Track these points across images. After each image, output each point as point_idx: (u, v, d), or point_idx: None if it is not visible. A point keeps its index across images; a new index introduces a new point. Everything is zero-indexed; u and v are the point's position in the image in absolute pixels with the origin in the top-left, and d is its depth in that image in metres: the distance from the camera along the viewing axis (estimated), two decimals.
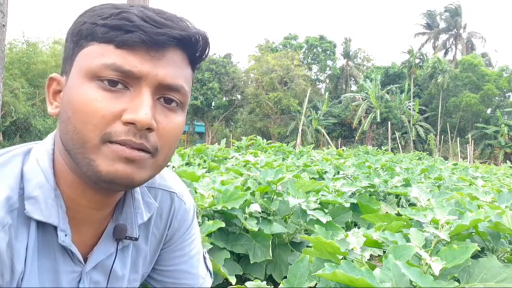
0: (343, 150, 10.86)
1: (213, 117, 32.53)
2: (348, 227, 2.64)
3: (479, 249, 1.60)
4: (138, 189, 0.77)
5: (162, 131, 0.62)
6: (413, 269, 1.23)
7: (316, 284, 1.40)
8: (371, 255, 1.80)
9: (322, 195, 2.57)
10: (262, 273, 2.08)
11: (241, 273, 1.99)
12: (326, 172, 4.27)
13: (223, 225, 1.84)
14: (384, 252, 1.68)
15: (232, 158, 4.78)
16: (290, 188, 2.35)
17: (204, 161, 4.51)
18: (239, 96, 33.60)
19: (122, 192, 0.74)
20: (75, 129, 0.59)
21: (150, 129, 0.60)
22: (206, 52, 0.67)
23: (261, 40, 59.08)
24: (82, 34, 0.61)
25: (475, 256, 1.51)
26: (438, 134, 32.13)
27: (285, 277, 1.52)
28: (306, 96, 22.89)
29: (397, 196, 3.60)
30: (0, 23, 2.12)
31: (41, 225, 0.65)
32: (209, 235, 1.87)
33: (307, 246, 1.79)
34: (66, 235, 0.66)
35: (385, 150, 14.28)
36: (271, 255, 2.02)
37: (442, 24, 40.44)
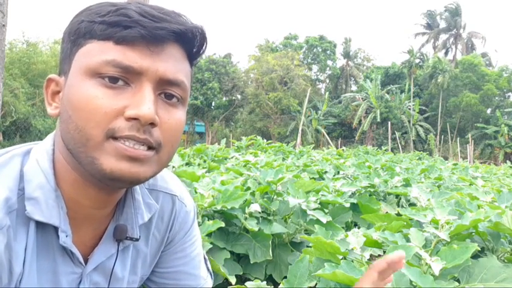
0: (343, 150, 10.87)
1: (213, 117, 32.52)
2: (348, 227, 2.64)
3: (479, 249, 1.61)
4: (138, 189, 0.77)
5: (164, 126, 0.62)
6: (413, 269, 1.23)
7: (316, 284, 1.40)
8: (371, 255, 1.80)
9: (322, 195, 2.57)
10: (262, 273, 2.08)
11: (241, 273, 1.99)
12: (326, 172, 4.27)
13: (223, 225, 1.84)
14: (384, 252, 1.68)
15: (232, 158, 4.78)
16: (290, 188, 2.35)
17: (204, 161, 4.52)
18: (239, 96, 33.58)
19: (124, 190, 0.73)
20: (77, 128, 0.59)
21: (153, 124, 0.60)
22: (204, 47, 0.67)
23: (261, 40, 59.11)
24: (80, 33, 0.61)
25: (475, 256, 1.51)
26: (438, 134, 32.12)
27: (285, 277, 1.52)
28: (306, 96, 22.90)
29: (397, 196, 3.60)
30: (0, 23, 2.12)
31: (40, 226, 0.65)
32: (209, 235, 1.87)
33: (307, 246, 1.79)
34: (67, 236, 0.66)
35: (385, 150, 14.30)
36: (271, 255, 2.02)
37: (442, 24, 40.45)
